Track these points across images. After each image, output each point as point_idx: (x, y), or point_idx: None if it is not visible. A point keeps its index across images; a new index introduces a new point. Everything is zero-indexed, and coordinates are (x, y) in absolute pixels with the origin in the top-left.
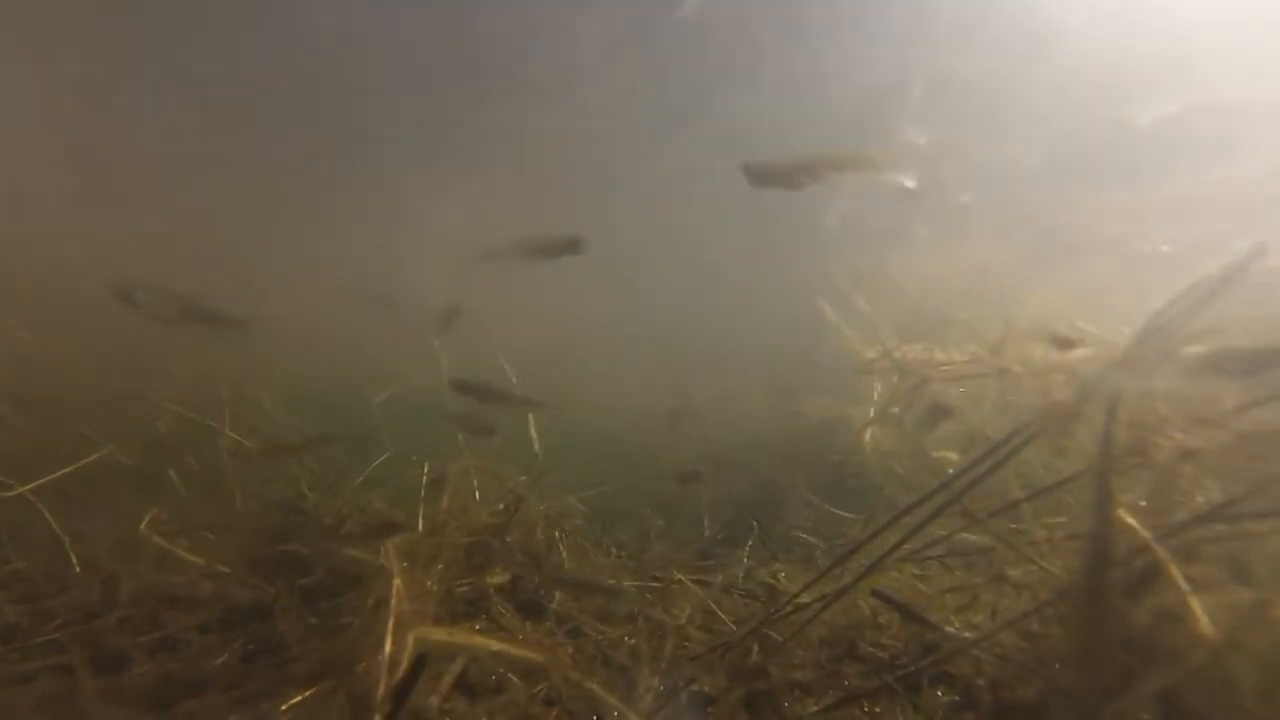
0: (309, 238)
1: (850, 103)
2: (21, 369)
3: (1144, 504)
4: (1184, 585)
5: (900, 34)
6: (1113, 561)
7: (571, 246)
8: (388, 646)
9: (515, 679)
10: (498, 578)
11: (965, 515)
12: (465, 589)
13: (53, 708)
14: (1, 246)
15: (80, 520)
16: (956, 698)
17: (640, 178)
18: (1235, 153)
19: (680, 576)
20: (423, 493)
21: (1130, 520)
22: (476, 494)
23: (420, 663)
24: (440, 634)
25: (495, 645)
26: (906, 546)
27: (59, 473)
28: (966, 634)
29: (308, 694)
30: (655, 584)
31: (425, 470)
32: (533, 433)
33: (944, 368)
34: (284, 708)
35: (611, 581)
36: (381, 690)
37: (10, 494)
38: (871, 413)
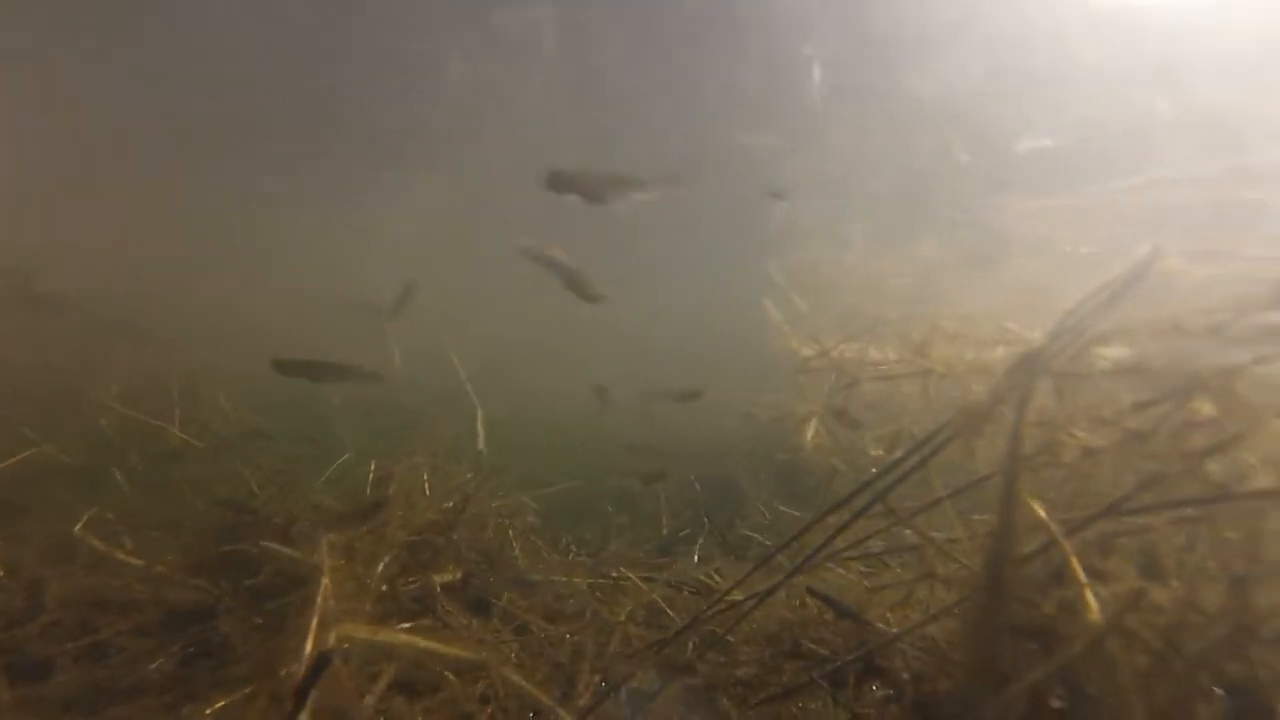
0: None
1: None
2: None
3: (1049, 499)
4: (1082, 577)
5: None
6: (1014, 556)
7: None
8: (308, 646)
9: (451, 677)
10: (448, 575)
11: (889, 513)
12: (411, 587)
13: None
14: None
15: (11, 523)
16: (890, 691)
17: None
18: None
19: (626, 573)
20: (369, 490)
21: (1041, 514)
22: (426, 490)
23: (323, 661)
24: (364, 632)
25: (422, 643)
26: (841, 543)
27: None
28: (895, 629)
29: (233, 698)
30: (604, 581)
31: (373, 468)
32: (479, 429)
33: (878, 367)
34: (208, 711)
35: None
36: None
37: None
38: (807, 411)
